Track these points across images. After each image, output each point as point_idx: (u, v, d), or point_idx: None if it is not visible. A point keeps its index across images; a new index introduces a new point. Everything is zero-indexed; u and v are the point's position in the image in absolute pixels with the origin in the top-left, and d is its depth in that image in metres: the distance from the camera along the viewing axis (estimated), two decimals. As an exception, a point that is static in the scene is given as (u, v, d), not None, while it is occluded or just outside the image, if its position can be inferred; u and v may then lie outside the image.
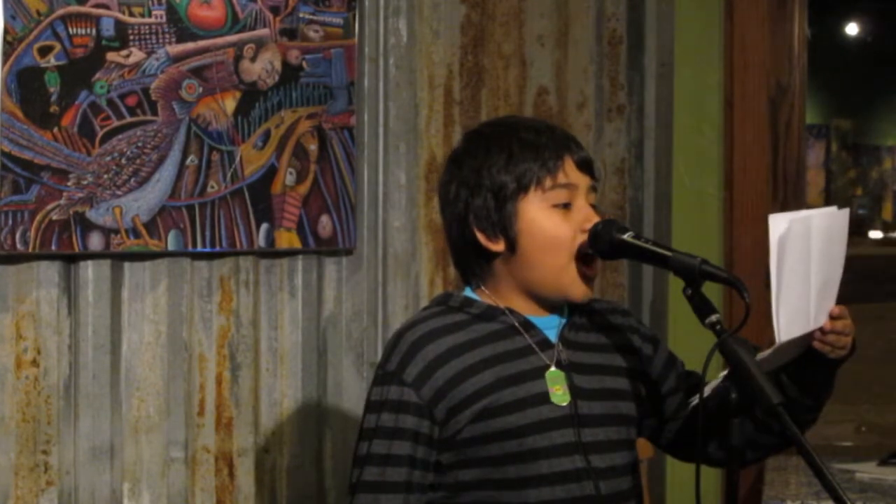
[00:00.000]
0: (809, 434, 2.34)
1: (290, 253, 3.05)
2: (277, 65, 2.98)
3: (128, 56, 2.77)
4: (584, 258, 2.29)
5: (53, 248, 2.68)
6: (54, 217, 2.68)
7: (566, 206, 2.28)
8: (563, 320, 2.35)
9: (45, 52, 2.66)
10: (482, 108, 3.39)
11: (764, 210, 3.89)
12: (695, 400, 2.32)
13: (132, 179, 2.78)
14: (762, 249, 3.86)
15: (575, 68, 3.60)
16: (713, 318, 2.16)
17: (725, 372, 2.22)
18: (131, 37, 2.77)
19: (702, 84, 3.89)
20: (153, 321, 2.84)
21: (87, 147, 2.72)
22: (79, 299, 2.75)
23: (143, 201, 2.79)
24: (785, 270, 2.15)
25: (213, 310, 2.93)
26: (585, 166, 2.32)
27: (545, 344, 2.31)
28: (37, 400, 2.70)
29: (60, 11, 2.68)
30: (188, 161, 2.85)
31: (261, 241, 2.97)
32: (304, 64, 3.03)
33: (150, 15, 2.80)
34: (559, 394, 2.28)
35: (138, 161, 2.78)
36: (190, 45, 2.85)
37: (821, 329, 2.26)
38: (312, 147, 3.05)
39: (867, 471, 3.33)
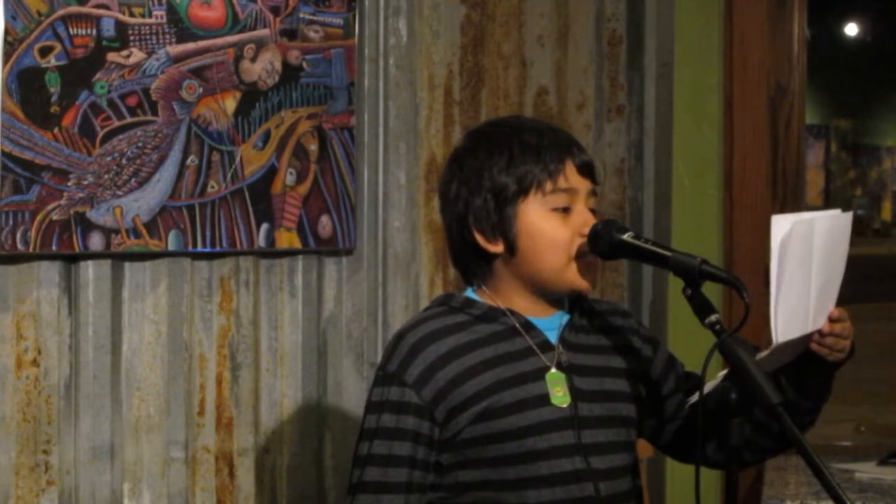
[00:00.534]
0: (809, 434, 2.35)
1: (291, 253, 3.05)
2: (277, 65, 2.99)
3: (128, 56, 2.77)
4: (583, 255, 2.29)
5: (54, 248, 2.68)
6: (55, 217, 2.68)
7: (566, 210, 2.29)
8: (564, 320, 2.35)
9: (45, 52, 2.66)
10: (482, 108, 3.40)
11: (764, 210, 3.89)
12: (694, 398, 2.32)
13: (132, 179, 2.78)
14: (762, 249, 3.88)
15: (575, 68, 3.60)
16: (713, 318, 2.16)
17: (725, 372, 2.23)
18: (132, 37, 2.77)
19: (702, 84, 3.89)
20: (153, 321, 2.84)
21: (87, 147, 2.72)
22: (79, 299, 2.75)
23: (143, 201, 2.79)
24: (786, 272, 2.15)
25: (213, 310, 2.94)
26: (587, 170, 2.32)
27: (546, 346, 2.31)
28: (37, 400, 2.70)
29: (61, 12, 2.68)
30: (188, 161, 2.85)
31: (261, 241, 2.97)
32: (305, 64, 3.03)
33: (150, 15, 2.80)
34: (559, 395, 2.28)
35: (139, 161, 2.79)
36: (190, 46, 2.85)
37: (819, 331, 2.26)
38: (312, 147, 3.05)
39: (867, 471, 3.33)
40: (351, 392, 3.16)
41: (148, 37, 2.79)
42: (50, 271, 2.71)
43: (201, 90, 2.87)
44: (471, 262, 2.34)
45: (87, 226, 2.72)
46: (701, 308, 2.19)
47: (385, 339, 3.19)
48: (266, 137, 2.97)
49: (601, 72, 3.67)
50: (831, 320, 2.27)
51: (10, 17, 2.62)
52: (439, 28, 3.32)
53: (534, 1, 3.51)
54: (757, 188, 3.90)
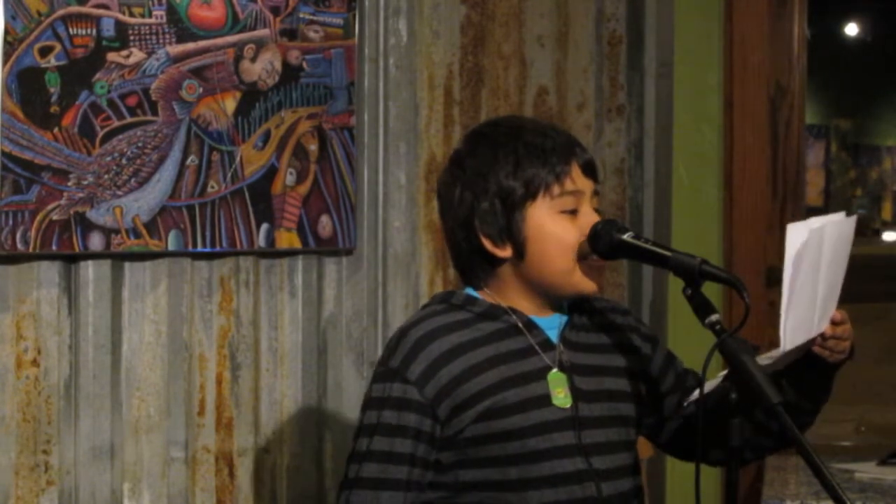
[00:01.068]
0: (809, 434, 2.35)
1: (291, 253, 3.05)
2: (277, 65, 2.99)
3: (128, 56, 2.77)
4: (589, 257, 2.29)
5: (54, 248, 2.68)
6: (55, 217, 2.68)
7: (573, 213, 2.28)
8: (564, 319, 2.35)
9: (45, 52, 2.66)
10: (482, 108, 3.40)
11: (764, 210, 3.90)
12: (694, 396, 2.31)
13: (132, 179, 2.78)
14: (762, 249, 3.88)
15: (575, 68, 3.60)
16: (713, 318, 2.16)
17: (725, 372, 2.23)
18: (131, 37, 2.77)
19: (702, 84, 3.90)
20: (153, 321, 2.84)
21: (87, 147, 2.72)
22: (79, 299, 2.75)
23: (143, 201, 2.79)
24: (798, 280, 2.15)
25: (213, 310, 2.94)
26: (590, 170, 2.32)
27: (546, 345, 2.31)
28: (37, 400, 2.70)
29: (61, 12, 2.68)
30: (188, 161, 2.85)
31: (261, 241, 2.97)
32: (305, 64, 3.03)
33: (150, 15, 2.80)
34: (561, 397, 2.28)
35: (139, 161, 2.79)
36: (190, 46, 2.85)
37: (822, 334, 2.27)
38: (312, 147, 3.05)
39: (867, 471, 3.33)
40: (351, 392, 3.16)
41: (148, 37, 2.79)
42: (50, 271, 2.71)
43: (201, 90, 2.87)
44: (475, 266, 2.33)
45: (87, 226, 2.72)
46: (701, 308, 2.18)
47: (385, 339, 3.19)
48: (266, 137, 2.97)
49: (601, 72, 3.67)
50: (833, 323, 2.28)
51: (10, 17, 2.62)
52: (439, 28, 3.32)
53: (534, 1, 3.51)
54: (757, 188, 3.90)
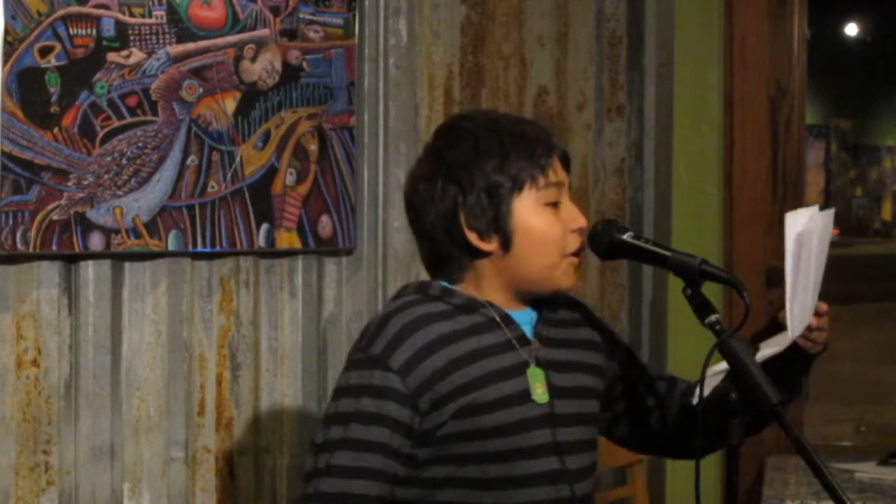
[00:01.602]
0: (809, 434, 2.35)
1: (291, 253, 3.05)
2: (277, 65, 2.99)
3: (128, 56, 2.77)
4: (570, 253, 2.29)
5: (54, 248, 2.68)
6: (55, 217, 2.68)
7: (555, 205, 2.28)
8: (535, 315, 2.33)
9: (45, 52, 2.67)
10: (482, 108, 3.39)
11: (764, 210, 3.90)
12: (698, 393, 2.31)
13: (132, 179, 2.78)
14: (762, 249, 3.88)
15: (575, 68, 3.60)
16: (713, 318, 2.17)
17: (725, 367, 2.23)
18: (132, 37, 2.77)
19: (702, 84, 3.90)
20: (153, 321, 2.84)
21: (87, 147, 2.72)
22: (79, 299, 2.75)
23: (143, 201, 2.79)
24: (800, 268, 2.17)
25: (213, 310, 2.94)
26: (566, 162, 2.32)
27: (523, 340, 2.28)
28: (37, 400, 2.70)
29: (61, 12, 2.68)
30: (188, 161, 2.85)
31: (261, 241, 2.97)
32: (305, 64, 3.03)
33: (150, 15, 2.80)
34: (539, 392, 2.26)
35: (139, 161, 2.79)
36: (190, 46, 2.85)
37: (807, 326, 2.28)
38: (312, 147, 3.05)
39: (867, 471, 3.33)
40: (351, 392, 3.15)
41: (148, 37, 2.79)
42: (50, 271, 2.71)
43: (201, 90, 2.87)
44: (452, 260, 2.29)
45: (87, 226, 2.72)
46: (701, 308, 2.19)
47: (385, 339, 3.19)
48: (266, 137, 2.97)
49: (601, 72, 3.67)
50: (818, 314, 2.29)
51: (10, 17, 2.62)
52: (439, 28, 3.32)
53: (534, 1, 3.51)
54: (757, 188, 3.91)
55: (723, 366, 2.23)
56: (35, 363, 2.69)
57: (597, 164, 3.68)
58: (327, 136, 3.07)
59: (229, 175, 2.92)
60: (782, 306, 2.24)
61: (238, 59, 2.92)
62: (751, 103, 3.90)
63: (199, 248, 2.88)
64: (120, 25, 2.75)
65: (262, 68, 2.96)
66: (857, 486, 3.22)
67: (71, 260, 2.74)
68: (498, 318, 2.28)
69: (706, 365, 2.23)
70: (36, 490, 2.69)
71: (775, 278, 3.84)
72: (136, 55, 2.78)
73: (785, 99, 3.92)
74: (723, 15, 3.89)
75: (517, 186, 2.25)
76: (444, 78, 3.33)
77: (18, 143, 2.63)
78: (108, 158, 2.75)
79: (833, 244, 2.34)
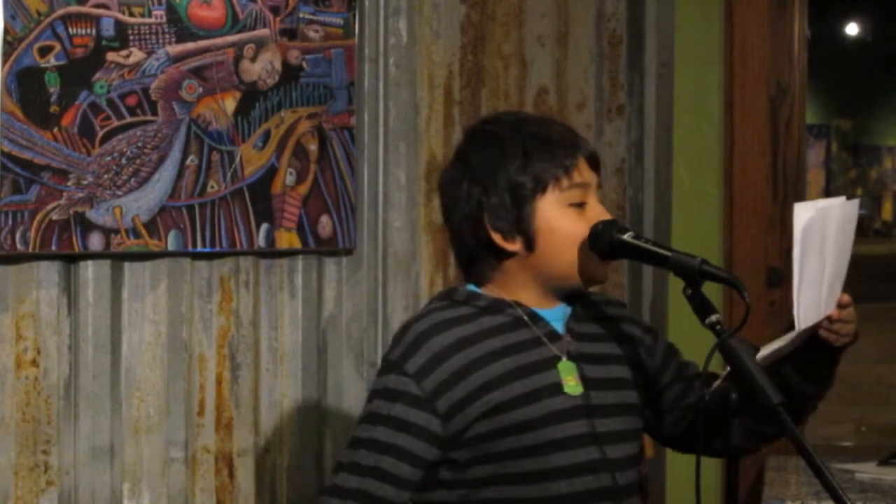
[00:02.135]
0: (809, 434, 2.35)
1: (290, 253, 3.05)
2: (277, 65, 2.98)
3: (128, 56, 2.77)
4: None
5: (53, 248, 2.68)
6: (54, 217, 2.68)
7: (580, 206, 2.29)
8: (568, 311, 2.35)
9: (45, 52, 2.66)
10: (482, 108, 3.40)
11: (764, 210, 3.90)
12: (715, 384, 2.32)
13: (132, 179, 2.78)
14: (762, 249, 3.88)
15: (575, 68, 3.60)
16: (713, 318, 2.17)
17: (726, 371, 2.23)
18: (131, 37, 2.77)
19: (702, 84, 3.90)
20: (153, 321, 2.84)
21: (87, 147, 2.72)
22: (79, 299, 2.75)
23: (143, 201, 2.79)
24: (807, 260, 2.16)
25: (213, 310, 2.94)
26: (594, 163, 2.33)
27: (553, 335, 2.31)
28: (37, 400, 2.70)
29: (60, 11, 2.68)
30: (188, 161, 2.85)
31: (261, 241, 2.97)
32: (304, 64, 3.03)
33: (150, 15, 2.80)
34: (572, 384, 2.28)
35: (138, 161, 2.79)
36: (190, 46, 2.85)
37: (829, 318, 2.27)
38: (312, 147, 3.05)
39: (867, 471, 3.33)
40: (351, 392, 3.16)
41: (148, 36, 2.79)
42: (49, 271, 2.71)
43: (201, 90, 2.87)
44: (480, 260, 2.33)
45: (86, 226, 2.72)
46: (701, 308, 2.19)
47: (385, 339, 3.19)
48: (266, 137, 2.97)
49: (601, 72, 3.67)
50: (840, 306, 2.28)
51: (10, 17, 2.62)
52: (439, 28, 3.32)
53: (534, 1, 3.50)
54: (757, 188, 3.91)
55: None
56: (34, 363, 2.69)
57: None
58: (327, 136, 3.07)
59: (229, 175, 2.91)
60: (786, 306, 2.24)
61: (238, 58, 2.92)
62: (751, 103, 3.90)
63: (199, 248, 2.88)
64: (119, 25, 2.75)
65: (262, 68, 2.96)
66: (858, 486, 3.22)
67: (70, 260, 2.74)
68: (525, 317, 2.30)
69: (706, 365, 2.23)
70: (35, 490, 2.69)
71: (775, 278, 3.84)
72: (136, 55, 2.78)
73: (785, 99, 3.92)
74: (723, 15, 3.89)
75: (540, 187, 2.27)
76: (444, 78, 3.33)
77: (18, 142, 2.63)
78: (108, 158, 2.74)
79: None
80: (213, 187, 2.89)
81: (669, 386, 2.43)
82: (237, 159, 2.93)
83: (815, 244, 2.18)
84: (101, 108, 2.73)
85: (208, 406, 2.93)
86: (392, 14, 3.23)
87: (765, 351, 2.23)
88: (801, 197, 3.95)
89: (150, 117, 2.79)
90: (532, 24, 3.50)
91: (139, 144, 2.78)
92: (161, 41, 2.81)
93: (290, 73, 3.00)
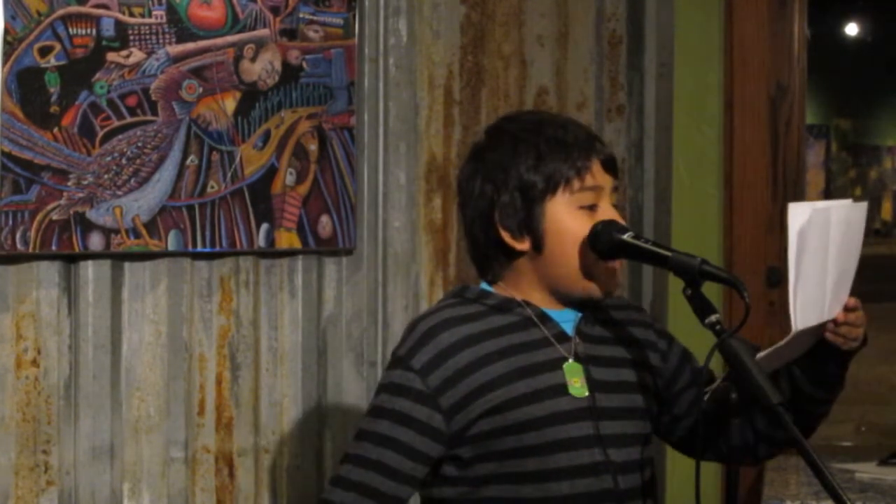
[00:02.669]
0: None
1: (290, 253, 3.05)
2: (277, 65, 2.98)
3: (128, 56, 2.77)
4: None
5: (54, 248, 2.68)
6: (54, 217, 2.68)
7: (592, 208, 2.29)
8: (579, 314, 2.35)
9: (45, 52, 2.66)
10: (482, 108, 3.40)
11: (764, 210, 3.90)
12: (714, 385, 2.31)
13: (132, 179, 2.78)
14: (762, 249, 3.88)
15: (575, 68, 3.60)
16: (713, 318, 2.17)
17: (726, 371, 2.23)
18: (131, 37, 2.77)
19: (702, 84, 3.90)
20: (153, 321, 2.84)
21: (87, 147, 2.72)
22: (79, 299, 2.75)
23: (143, 201, 2.79)
24: (804, 260, 2.16)
25: (213, 310, 2.94)
26: (611, 166, 2.33)
27: (562, 336, 2.31)
28: (37, 400, 2.70)
29: (61, 12, 2.68)
30: (188, 161, 2.85)
31: (261, 241, 2.97)
32: (304, 64, 3.03)
33: (150, 15, 2.80)
34: (577, 386, 2.28)
35: (138, 161, 2.79)
36: (190, 46, 2.85)
37: (834, 321, 2.27)
38: (312, 147, 3.05)
39: (867, 471, 3.33)
40: (351, 392, 3.15)
41: (148, 37, 2.79)
42: (50, 271, 2.71)
43: (201, 90, 2.87)
44: (491, 258, 2.34)
45: (86, 226, 2.72)
46: (701, 308, 2.19)
47: (385, 338, 3.19)
48: (266, 137, 2.97)
49: (601, 72, 3.66)
50: (847, 309, 2.28)
51: (10, 17, 2.62)
52: (439, 28, 3.32)
53: (534, 1, 3.50)
54: (757, 188, 3.91)
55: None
56: (35, 363, 2.69)
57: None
58: (327, 136, 3.07)
59: (229, 175, 2.91)
60: (786, 306, 2.23)
61: (238, 58, 2.92)
62: (751, 103, 3.90)
63: (199, 248, 2.88)
64: (120, 25, 2.75)
65: (262, 68, 2.96)
66: (858, 486, 3.22)
67: (71, 260, 2.74)
68: (534, 317, 2.30)
69: (706, 365, 2.24)
70: (36, 490, 2.69)
71: (775, 278, 3.84)
72: (136, 55, 2.78)
73: (785, 99, 3.92)
74: (723, 15, 3.89)
75: (551, 188, 2.28)
76: (444, 78, 3.33)
77: (18, 142, 2.63)
78: (108, 158, 2.75)
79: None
80: (213, 187, 2.89)
81: (684, 391, 2.43)
82: (237, 159, 2.93)
83: (814, 244, 2.18)
84: (101, 109, 2.73)
85: (208, 406, 2.93)
86: (392, 14, 3.23)
87: (765, 352, 2.23)
88: (801, 197, 3.96)
89: (150, 117, 2.80)
90: (532, 25, 3.50)
91: (139, 144, 2.78)
92: (161, 41, 2.81)
93: (290, 73, 3.00)
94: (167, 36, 2.81)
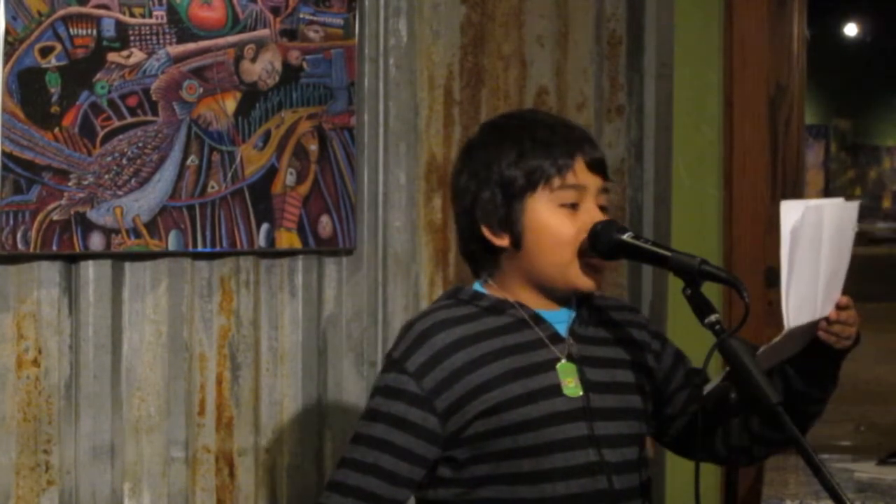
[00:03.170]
0: (809, 434, 2.35)
1: (291, 253, 3.05)
2: (278, 65, 2.99)
3: (128, 56, 2.77)
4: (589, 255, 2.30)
5: (54, 248, 2.68)
6: (55, 217, 2.68)
7: (573, 207, 2.29)
8: (573, 314, 2.35)
9: (46, 52, 2.67)
10: (482, 108, 3.40)
11: (764, 210, 3.90)
12: (709, 386, 2.31)
13: (133, 180, 2.78)
14: (762, 249, 3.88)
15: (575, 68, 3.60)
16: (713, 318, 2.17)
17: (726, 371, 2.23)
18: (132, 37, 2.77)
19: (701, 84, 3.90)
20: (154, 321, 2.85)
21: (87, 147, 2.72)
22: (80, 299, 2.75)
23: (143, 201, 2.79)
24: (796, 257, 2.16)
25: (213, 310, 2.94)
26: (598, 167, 2.32)
27: (555, 338, 2.31)
28: (38, 400, 2.70)
29: (61, 12, 2.68)
30: (189, 161, 2.86)
31: (261, 241, 2.97)
32: (305, 64, 3.03)
33: (150, 15, 2.80)
34: (571, 386, 2.28)
35: (139, 161, 2.79)
36: (190, 46, 2.85)
37: (826, 319, 2.27)
38: (313, 147, 3.05)
39: (866, 470, 3.33)
40: (351, 392, 3.16)
41: (148, 37, 2.79)
42: (50, 271, 2.71)
43: (201, 90, 2.87)
44: (477, 255, 2.34)
45: (87, 226, 2.72)
46: (701, 308, 2.19)
47: (385, 338, 3.19)
48: (266, 137, 2.98)
49: (601, 72, 3.67)
50: (839, 308, 2.28)
51: (11, 17, 2.62)
52: (439, 28, 3.32)
53: (534, 1, 3.51)
54: (757, 188, 3.91)
55: (717, 381, 2.24)
56: (35, 363, 2.70)
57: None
58: (327, 136, 3.08)
59: (229, 175, 2.92)
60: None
61: (238, 59, 2.93)
62: (751, 103, 3.90)
63: (200, 248, 2.88)
64: (120, 26, 2.76)
65: (263, 68, 2.96)
66: (857, 485, 3.22)
67: (71, 260, 2.74)
68: (527, 318, 2.30)
69: (706, 365, 2.24)
70: (36, 490, 2.69)
71: (775, 278, 3.84)
72: (137, 55, 2.78)
73: (785, 99, 3.93)
74: (723, 15, 3.89)
75: (531, 185, 2.28)
76: (444, 78, 3.33)
77: (19, 143, 2.63)
78: (109, 158, 2.75)
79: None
80: (213, 187, 2.89)
81: (677, 392, 2.43)
82: (237, 159, 2.93)
83: (807, 242, 2.18)
84: (101, 109, 2.74)
85: (209, 406, 2.93)
86: (392, 14, 3.23)
87: (758, 350, 2.23)
88: (801, 197, 3.96)
89: (150, 117, 2.80)
90: (532, 25, 3.50)
91: (140, 145, 2.79)
92: (161, 41, 2.81)
93: (290, 73, 3.01)
94: (168, 36, 2.82)
